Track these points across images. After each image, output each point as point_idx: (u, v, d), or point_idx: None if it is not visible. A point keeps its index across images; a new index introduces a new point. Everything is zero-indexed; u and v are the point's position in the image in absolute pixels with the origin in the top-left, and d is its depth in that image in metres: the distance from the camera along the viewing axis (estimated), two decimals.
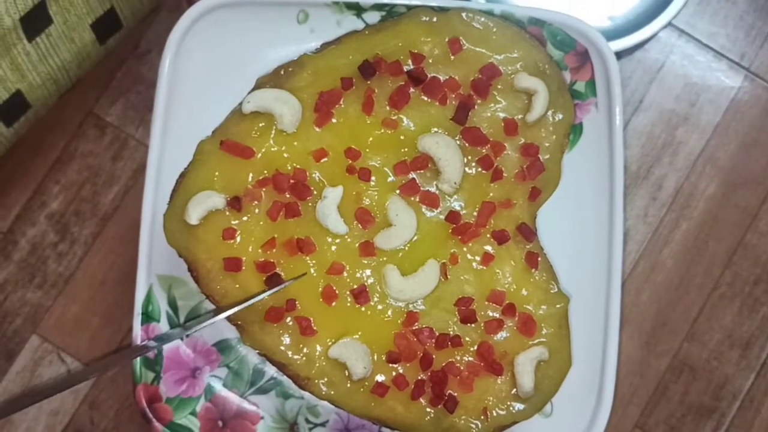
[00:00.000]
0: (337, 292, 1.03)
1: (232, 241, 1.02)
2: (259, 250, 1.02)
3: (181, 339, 1.07)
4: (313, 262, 1.04)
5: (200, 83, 1.07)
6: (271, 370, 1.06)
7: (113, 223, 1.24)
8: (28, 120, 1.09)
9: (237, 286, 1.02)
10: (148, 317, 1.06)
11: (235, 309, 1.02)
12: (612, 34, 1.22)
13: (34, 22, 1.02)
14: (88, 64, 1.12)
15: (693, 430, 1.25)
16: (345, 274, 1.03)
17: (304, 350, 1.02)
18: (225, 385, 1.07)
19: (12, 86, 1.04)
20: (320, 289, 1.03)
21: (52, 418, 1.21)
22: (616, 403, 1.22)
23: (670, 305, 1.26)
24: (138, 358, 1.05)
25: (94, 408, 1.22)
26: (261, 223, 1.03)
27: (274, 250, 1.03)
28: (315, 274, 1.03)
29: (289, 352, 1.02)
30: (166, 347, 1.06)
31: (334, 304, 1.03)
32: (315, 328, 1.02)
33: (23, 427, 1.21)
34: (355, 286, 1.03)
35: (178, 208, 1.02)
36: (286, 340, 1.02)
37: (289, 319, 1.03)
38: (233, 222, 1.03)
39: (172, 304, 1.07)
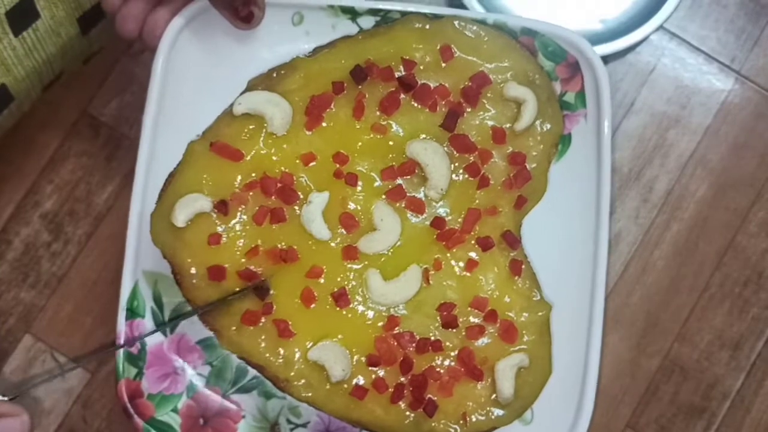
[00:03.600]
0: (315, 294, 1.03)
1: (217, 246, 1.03)
2: (243, 260, 1.03)
3: (164, 335, 1.08)
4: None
5: (193, 83, 1.08)
6: (254, 370, 1.07)
7: (107, 223, 1.25)
8: (11, 112, 1.10)
9: (219, 292, 1.03)
10: (132, 313, 1.06)
11: (205, 308, 1.03)
12: (604, 37, 1.23)
13: (21, 17, 1.02)
14: (71, 56, 1.13)
15: (683, 430, 1.26)
16: (323, 278, 1.04)
17: (282, 352, 1.03)
18: (207, 383, 1.08)
19: None
20: (299, 291, 1.04)
21: (45, 418, 1.22)
22: (607, 403, 1.23)
23: (660, 306, 1.26)
24: (121, 354, 1.06)
25: (87, 407, 1.23)
26: (246, 227, 1.03)
27: (257, 257, 1.03)
28: (295, 278, 1.04)
29: (267, 355, 1.03)
30: (150, 344, 1.07)
31: (312, 306, 1.03)
32: (293, 330, 1.03)
33: None
34: (336, 290, 1.04)
35: (165, 209, 1.02)
36: (263, 342, 1.03)
37: (264, 321, 1.03)
38: (219, 226, 1.03)
39: (157, 301, 1.08)
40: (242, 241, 1.03)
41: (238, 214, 1.04)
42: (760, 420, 1.26)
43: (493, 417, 1.03)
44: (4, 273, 1.25)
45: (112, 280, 1.24)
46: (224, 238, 1.03)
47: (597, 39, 1.21)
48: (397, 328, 1.04)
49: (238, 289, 1.03)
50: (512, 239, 1.05)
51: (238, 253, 1.03)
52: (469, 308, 1.04)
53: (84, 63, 1.18)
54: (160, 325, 1.07)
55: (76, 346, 1.24)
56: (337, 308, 1.04)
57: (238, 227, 1.04)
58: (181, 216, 1.01)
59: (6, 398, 0.99)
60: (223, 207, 1.02)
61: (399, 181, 1.06)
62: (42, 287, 1.24)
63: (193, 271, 1.02)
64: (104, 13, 1.11)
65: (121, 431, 1.24)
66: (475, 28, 1.06)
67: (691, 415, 1.26)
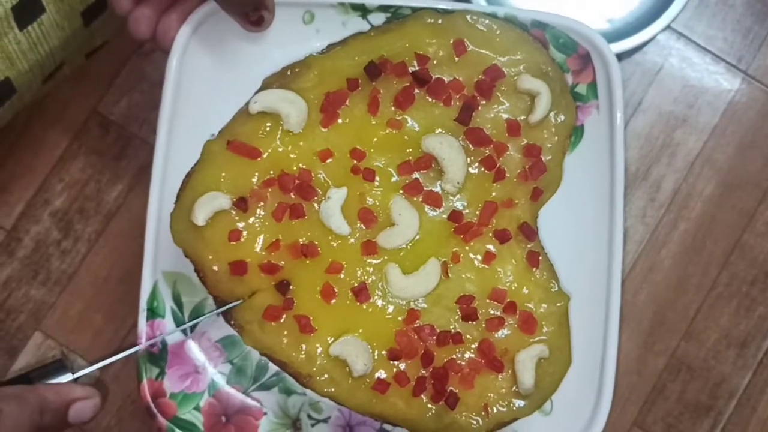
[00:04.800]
0: (336, 290, 1.03)
1: (237, 242, 1.02)
2: (264, 252, 1.03)
3: (186, 334, 1.08)
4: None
5: (206, 84, 1.08)
6: (274, 366, 1.06)
7: (117, 221, 1.25)
8: (13, 105, 1.09)
9: (243, 287, 1.03)
10: (153, 313, 1.06)
11: (224, 309, 1.04)
12: (611, 37, 1.23)
13: (27, 11, 1.02)
14: (73, 47, 1.13)
15: (690, 429, 1.26)
16: (343, 273, 1.04)
17: (304, 348, 1.02)
18: (228, 381, 1.08)
19: (1, 74, 1.04)
20: (319, 287, 1.03)
21: None
22: (615, 402, 1.23)
23: (668, 305, 1.27)
24: (143, 354, 1.06)
25: None
26: (266, 224, 1.03)
27: (279, 252, 1.03)
28: (315, 273, 1.04)
29: (290, 351, 1.02)
30: (171, 343, 1.07)
31: (333, 302, 1.03)
32: (314, 326, 1.02)
33: None
34: (356, 284, 1.04)
35: (184, 208, 1.02)
36: (286, 338, 1.03)
37: (286, 317, 1.03)
38: (239, 223, 1.03)
39: (177, 301, 1.08)
40: (262, 236, 1.03)
41: (258, 210, 1.03)
42: (767, 419, 1.26)
43: (514, 408, 1.02)
44: (15, 270, 1.25)
45: (122, 278, 1.24)
46: (244, 235, 1.03)
47: (604, 39, 1.21)
48: (417, 322, 1.03)
49: (261, 284, 1.03)
50: (529, 231, 1.05)
51: (258, 248, 1.03)
52: (488, 300, 1.04)
53: (86, 57, 1.18)
54: (180, 326, 1.07)
55: (86, 344, 1.24)
56: (358, 303, 1.03)
57: (257, 223, 1.03)
58: (201, 215, 1.01)
59: (73, 376, 1.00)
60: (242, 204, 1.02)
61: (416, 175, 1.05)
62: (52, 285, 1.24)
63: (215, 268, 1.02)
64: (106, 6, 1.12)
65: (131, 428, 1.24)
66: (487, 21, 1.06)
67: (697, 414, 1.26)
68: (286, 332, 1.03)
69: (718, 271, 1.28)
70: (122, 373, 1.22)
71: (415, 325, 1.03)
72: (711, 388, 1.26)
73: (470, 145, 1.06)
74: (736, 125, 1.29)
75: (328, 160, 1.05)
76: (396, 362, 1.03)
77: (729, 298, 1.27)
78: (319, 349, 1.03)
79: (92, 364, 1.14)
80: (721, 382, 1.27)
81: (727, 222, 1.28)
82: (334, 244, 1.04)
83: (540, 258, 1.06)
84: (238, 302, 1.03)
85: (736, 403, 1.26)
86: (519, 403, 1.03)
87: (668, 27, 1.26)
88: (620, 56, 1.27)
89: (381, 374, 1.03)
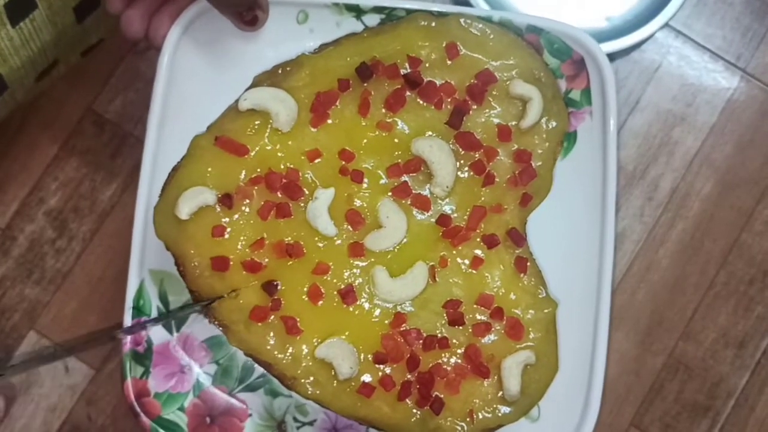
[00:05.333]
0: (323, 291, 1.03)
1: (221, 238, 1.03)
2: (247, 250, 1.03)
3: (170, 333, 1.08)
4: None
5: (198, 80, 1.08)
6: (260, 368, 1.06)
7: (111, 220, 1.25)
8: (5, 101, 1.09)
9: (224, 283, 1.03)
10: (139, 311, 1.06)
11: (208, 303, 1.04)
12: (609, 35, 1.23)
13: (19, 8, 1.02)
14: (65, 43, 1.13)
15: (688, 429, 1.26)
16: (330, 275, 1.04)
17: (290, 350, 1.03)
18: (214, 381, 1.07)
19: None
20: (306, 288, 1.04)
21: (50, 414, 1.23)
22: (612, 402, 1.23)
23: (665, 304, 1.26)
24: (128, 353, 1.06)
25: (91, 404, 1.23)
26: (251, 221, 1.03)
27: (263, 250, 1.03)
28: (301, 274, 1.04)
29: (275, 352, 1.03)
30: (156, 343, 1.07)
31: (320, 303, 1.03)
32: (301, 327, 1.03)
33: (21, 423, 1.22)
34: (343, 286, 1.04)
35: (169, 202, 1.02)
36: (272, 339, 1.03)
37: (273, 317, 1.03)
38: (223, 219, 1.03)
39: (163, 299, 1.07)
40: (247, 234, 1.03)
41: (243, 208, 1.04)
42: (765, 419, 1.26)
43: (499, 414, 1.02)
44: (9, 269, 1.25)
45: (117, 277, 1.24)
46: (228, 231, 1.03)
47: (602, 37, 1.21)
48: (403, 326, 1.03)
49: (242, 282, 1.03)
50: (517, 237, 1.05)
51: (242, 245, 1.03)
52: (476, 305, 1.04)
53: (82, 55, 1.18)
54: (161, 315, 1.07)
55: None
56: (344, 305, 1.03)
57: (242, 221, 1.03)
58: (185, 209, 1.01)
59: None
60: (227, 200, 1.02)
61: (405, 178, 1.05)
62: (46, 284, 1.25)
63: (196, 262, 1.03)
64: (99, 2, 1.12)
65: (126, 428, 1.24)
66: (480, 25, 1.06)
67: (695, 414, 1.26)
68: (272, 333, 1.03)
69: (716, 270, 1.27)
70: (117, 373, 1.23)
71: (402, 329, 1.03)
72: (709, 388, 1.26)
73: (460, 149, 1.05)
74: (735, 124, 1.28)
75: (317, 161, 1.05)
76: (381, 366, 1.03)
77: (727, 297, 1.27)
78: (305, 351, 1.03)
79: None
80: (719, 382, 1.26)
81: (726, 221, 1.27)
82: (321, 245, 1.04)
83: (528, 264, 1.05)
84: (220, 297, 1.03)
85: (734, 403, 1.26)
86: (504, 409, 1.03)
87: (666, 25, 1.25)
88: (618, 54, 1.27)
89: (366, 378, 1.03)
